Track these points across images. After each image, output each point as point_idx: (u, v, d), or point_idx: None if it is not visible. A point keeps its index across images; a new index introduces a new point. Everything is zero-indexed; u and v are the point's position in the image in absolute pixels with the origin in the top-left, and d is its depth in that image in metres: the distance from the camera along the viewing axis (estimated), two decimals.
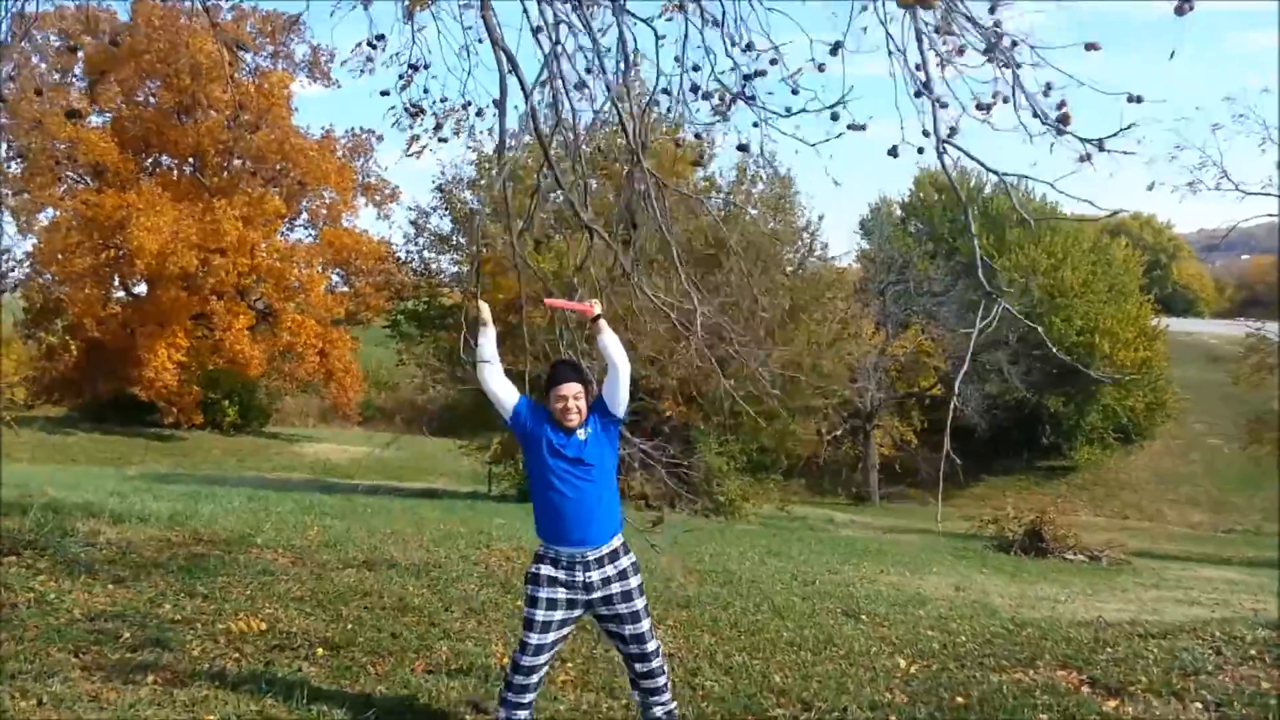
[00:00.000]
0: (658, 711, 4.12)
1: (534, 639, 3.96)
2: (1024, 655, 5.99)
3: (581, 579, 3.98)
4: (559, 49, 5.05)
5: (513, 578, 7.63)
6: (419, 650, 5.37)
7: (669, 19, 5.24)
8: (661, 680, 4.12)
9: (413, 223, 25.13)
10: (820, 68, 4.59)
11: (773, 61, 4.89)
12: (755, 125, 5.17)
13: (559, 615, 3.99)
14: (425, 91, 5.55)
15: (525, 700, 4.03)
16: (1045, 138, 4.12)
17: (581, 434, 4.02)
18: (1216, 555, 19.73)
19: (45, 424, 29.76)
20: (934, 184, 42.26)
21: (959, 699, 4.97)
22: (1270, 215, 20.29)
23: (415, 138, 5.61)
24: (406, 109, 5.53)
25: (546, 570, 4.01)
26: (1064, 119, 4.06)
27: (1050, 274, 34.59)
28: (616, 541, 4.08)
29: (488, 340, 4.16)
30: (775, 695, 4.99)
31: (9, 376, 26.74)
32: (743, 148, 5.40)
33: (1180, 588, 11.88)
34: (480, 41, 5.31)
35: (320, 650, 5.22)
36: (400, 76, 5.43)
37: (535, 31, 5.06)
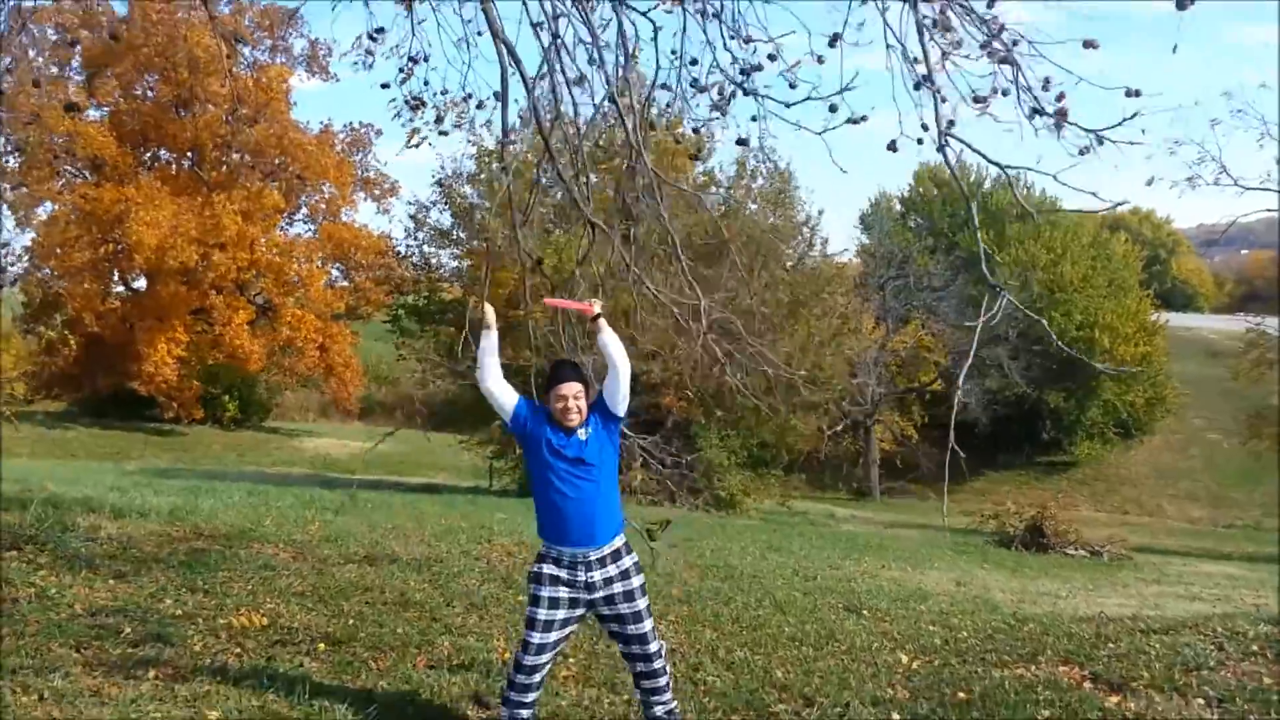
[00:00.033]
0: (659, 711, 4.12)
1: (536, 638, 3.96)
2: (1026, 650, 5.98)
3: (583, 579, 3.97)
4: (558, 42, 5.03)
5: (514, 572, 7.63)
6: (420, 645, 5.37)
7: (669, 11, 5.22)
8: (663, 680, 4.12)
9: (412, 217, 25.10)
10: (820, 60, 4.57)
11: (771, 57, 4.87)
12: (754, 119, 5.15)
13: (561, 614, 3.98)
14: (426, 84, 5.53)
15: (528, 699, 4.02)
16: (1045, 132, 4.11)
17: (582, 434, 4.01)
18: (1217, 550, 19.75)
19: (45, 419, 29.74)
20: (933, 179, 42.27)
21: (961, 694, 4.96)
22: (1269, 210, 20.20)
23: (416, 130, 5.58)
24: (407, 101, 5.51)
25: (549, 569, 4.01)
26: (1063, 113, 4.06)
27: (1050, 269, 34.60)
28: (619, 541, 4.07)
29: (489, 343, 4.13)
30: (777, 690, 4.99)
31: (8, 372, 26.74)
32: (742, 142, 5.39)
33: (1181, 583, 11.90)
34: (480, 34, 5.29)
35: (321, 645, 5.22)
36: (400, 70, 5.41)
37: (535, 26, 5.04)
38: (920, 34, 4.07)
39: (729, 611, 6.87)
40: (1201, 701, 4.84)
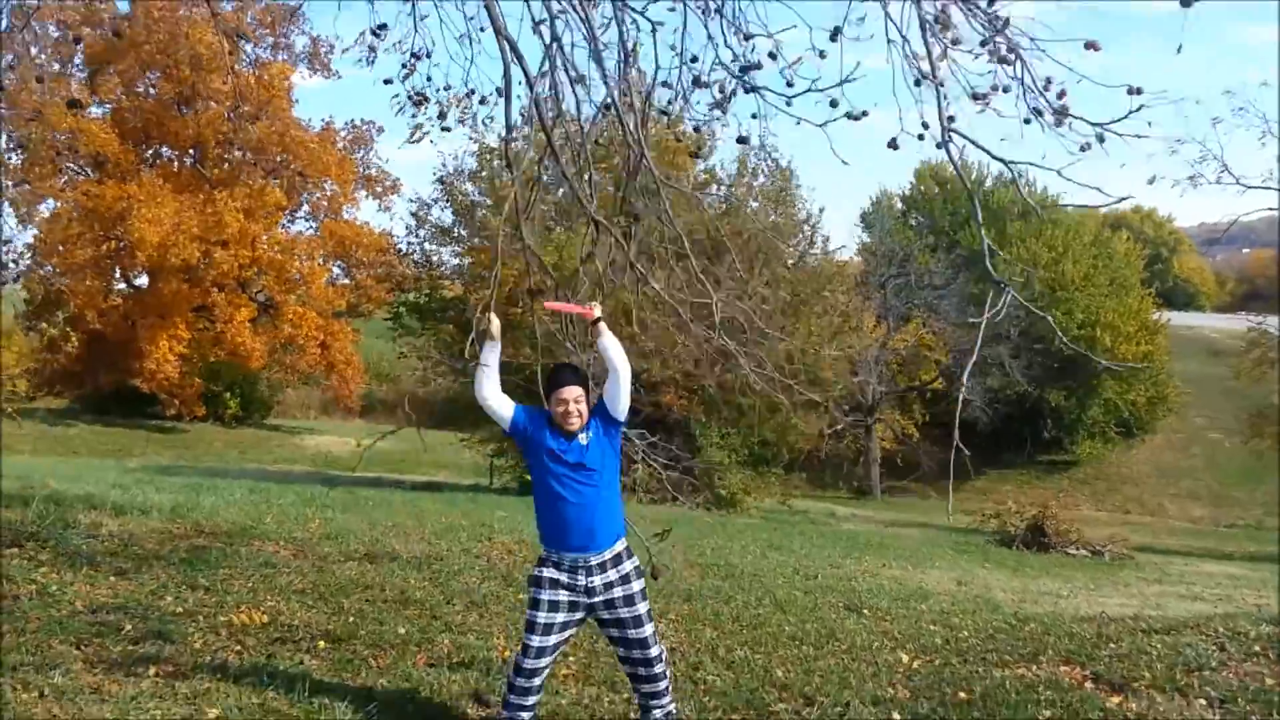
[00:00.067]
0: (657, 715, 4.12)
1: (535, 641, 3.95)
2: (1027, 650, 5.98)
3: (584, 583, 3.97)
4: (558, 43, 5.03)
5: (514, 570, 7.63)
6: (421, 643, 5.37)
7: (671, 9, 5.21)
8: (663, 684, 4.11)
9: (414, 214, 25.05)
10: (821, 55, 4.56)
11: (772, 55, 4.86)
12: (754, 117, 5.14)
13: (560, 617, 3.97)
14: (429, 80, 5.53)
15: (528, 702, 4.02)
16: (1047, 130, 4.11)
17: (583, 439, 4.00)
18: (1218, 550, 19.73)
19: (46, 416, 29.76)
20: (935, 178, 42.24)
21: (962, 694, 4.95)
22: (1271, 209, 20.15)
23: (419, 125, 5.58)
24: (410, 97, 5.50)
25: (549, 573, 4.00)
26: (1063, 110, 4.05)
27: (1051, 267, 34.56)
28: (620, 546, 4.07)
29: (491, 355, 4.12)
30: (777, 690, 4.98)
31: (10, 369, 26.76)
32: (743, 140, 5.38)
33: (1183, 583, 11.88)
34: (483, 30, 5.28)
35: (322, 643, 5.22)
36: (403, 66, 5.40)
37: (536, 23, 5.03)
38: (923, 29, 4.06)
39: (729, 610, 6.86)
40: (1203, 702, 4.83)
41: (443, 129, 5.66)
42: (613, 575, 4.00)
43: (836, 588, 8.50)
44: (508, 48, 4.96)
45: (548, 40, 5.01)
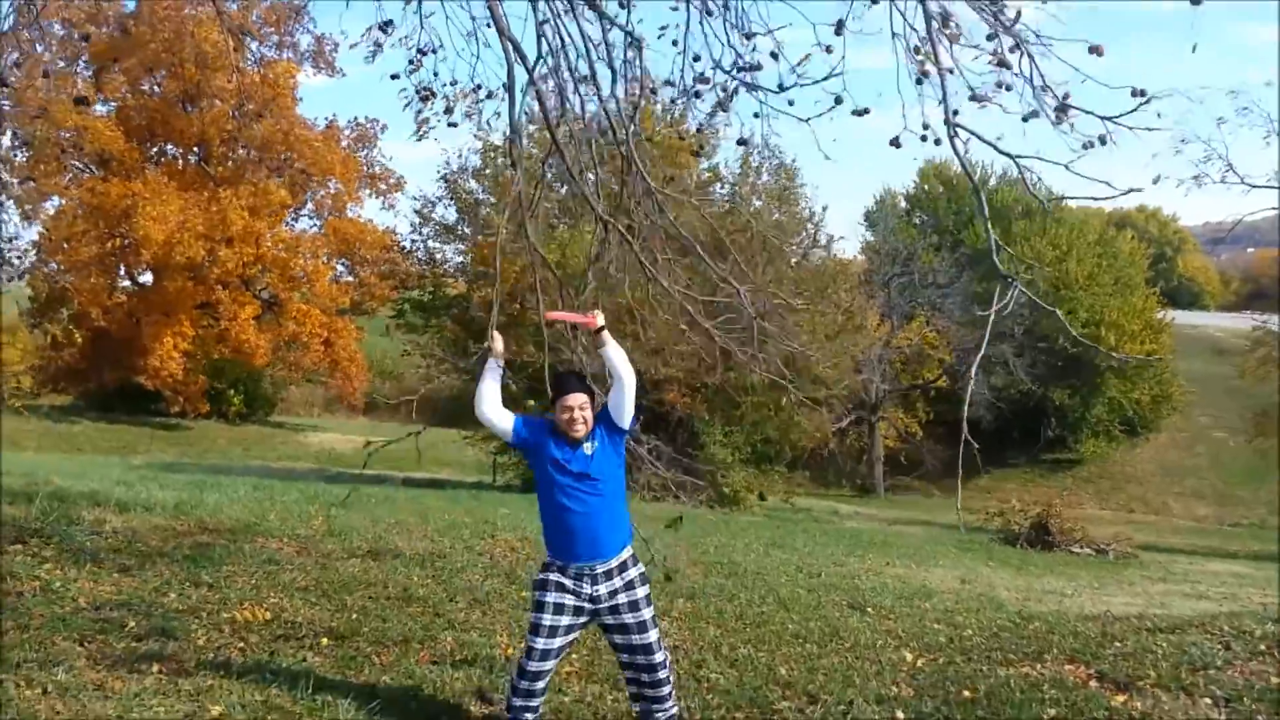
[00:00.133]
0: (660, 718, 4.11)
1: (540, 644, 3.94)
2: (1031, 649, 5.96)
3: (589, 591, 3.96)
4: (560, 44, 5.04)
5: (517, 568, 7.63)
6: (424, 641, 5.37)
7: (674, 8, 5.20)
8: (666, 689, 4.10)
9: (417, 212, 25.07)
10: (828, 49, 4.55)
11: (774, 55, 4.85)
12: (756, 116, 5.13)
13: (565, 620, 3.96)
14: (435, 75, 5.53)
15: (533, 704, 4.02)
16: (1050, 128, 4.10)
17: (588, 448, 3.99)
18: (1222, 549, 19.70)
19: (51, 413, 29.82)
20: (938, 176, 42.19)
21: (966, 693, 4.94)
22: (1275, 209, 20.12)
23: (425, 121, 5.59)
24: (418, 91, 5.50)
25: (554, 577, 4.00)
26: (1064, 108, 4.04)
27: (1055, 266, 34.51)
28: (626, 553, 4.06)
29: (493, 372, 4.14)
30: (781, 688, 4.97)
31: (15, 365, 26.83)
32: (742, 142, 5.37)
33: (1187, 581, 11.85)
34: (489, 26, 5.28)
35: (325, 640, 5.22)
36: (410, 62, 5.41)
37: (540, 24, 5.04)
38: (928, 24, 4.05)
39: (732, 608, 6.85)
40: (1208, 701, 4.81)
41: (449, 124, 5.67)
42: (618, 582, 3.99)
43: (840, 586, 8.49)
44: (510, 48, 4.97)
45: (550, 40, 5.02)
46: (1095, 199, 4.05)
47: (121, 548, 7.01)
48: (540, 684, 4.00)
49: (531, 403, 6.46)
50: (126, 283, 32.27)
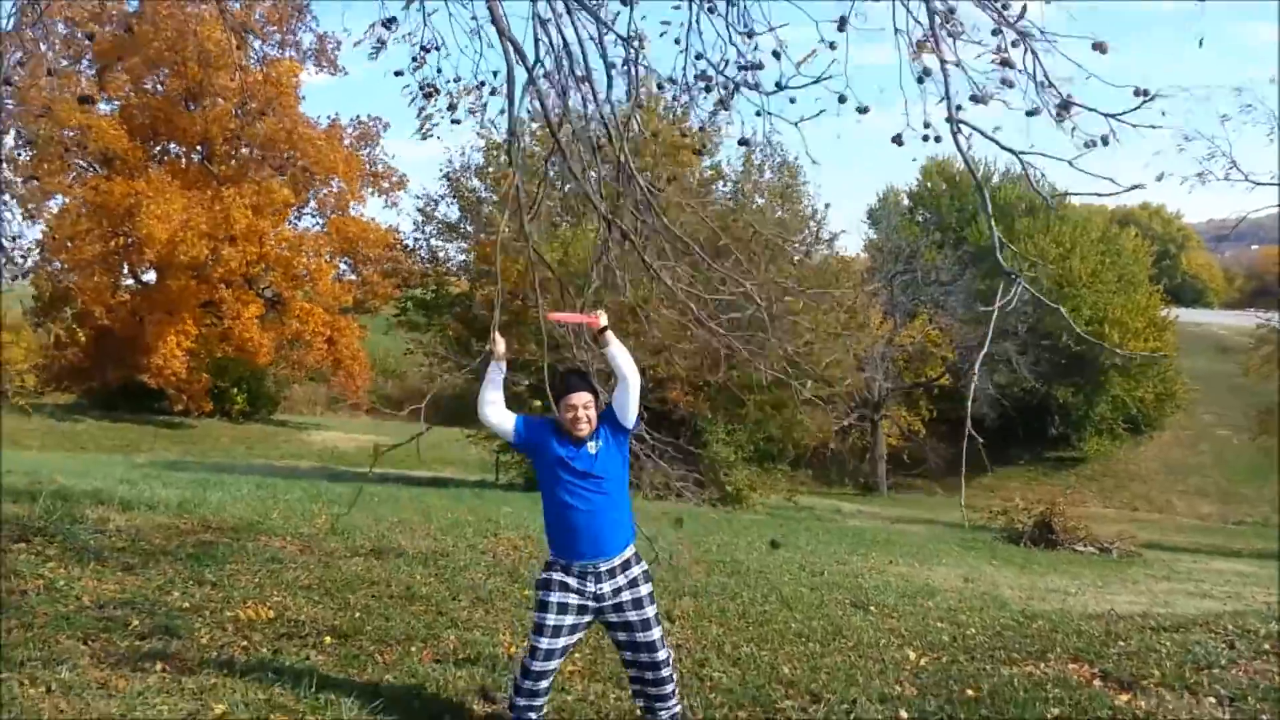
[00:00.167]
0: (664, 716, 4.11)
1: (544, 643, 3.94)
2: (1035, 648, 5.95)
3: (593, 590, 3.96)
4: (560, 44, 5.04)
5: (520, 566, 7.63)
6: (426, 639, 5.37)
7: (676, 6, 5.20)
8: (669, 688, 4.11)
9: (420, 210, 25.10)
10: (832, 46, 4.54)
11: (775, 54, 4.85)
12: (758, 114, 5.13)
13: (569, 620, 3.96)
14: (439, 72, 5.54)
15: (536, 703, 4.02)
16: (1053, 125, 4.09)
17: (591, 446, 4.00)
18: (1226, 547, 19.66)
19: (54, 411, 29.88)
20: (941, 174, 42.15)
21: (969, 692, 4.93)
22: (1279, 206, 20.06)
23: (429, 117, 5.59)
24: (421, 88, 5.51)
25: (558, 576, 4.00)
26: (1065, 107, 4.03)
27: (1059, 263, 34.46)
28: (629, 552, 4.06)
29: (496, 376, 4.14)
30: (784, 687, 4.97)
31: (19, 364, 26.86)
32: (744, 142, 5.36)
33: (1191, 580, 11.83)
34: (490, 24, 5.29)
35: (328, 639, 5.22)
36: (413, 59, 5.41)
37: (543, 22, 5.03)
38: (931, 19, 4.04)
39: (735, 607, 6.85)
40: (1213, 700, 4.81)
41: (453, 121, 5.67)
42: (621, 581, 3.99)
43: (843, 584, 8.48)
44: (510, 48, 4.97)
45: (551, 40, 5.02)
46: (1099, 196, 4.06)
47: (125, 546, 7.02)
48: (544, 683, 4.00)
49: (538, 403, 6.47)
50: (130, 281, 32.33)
